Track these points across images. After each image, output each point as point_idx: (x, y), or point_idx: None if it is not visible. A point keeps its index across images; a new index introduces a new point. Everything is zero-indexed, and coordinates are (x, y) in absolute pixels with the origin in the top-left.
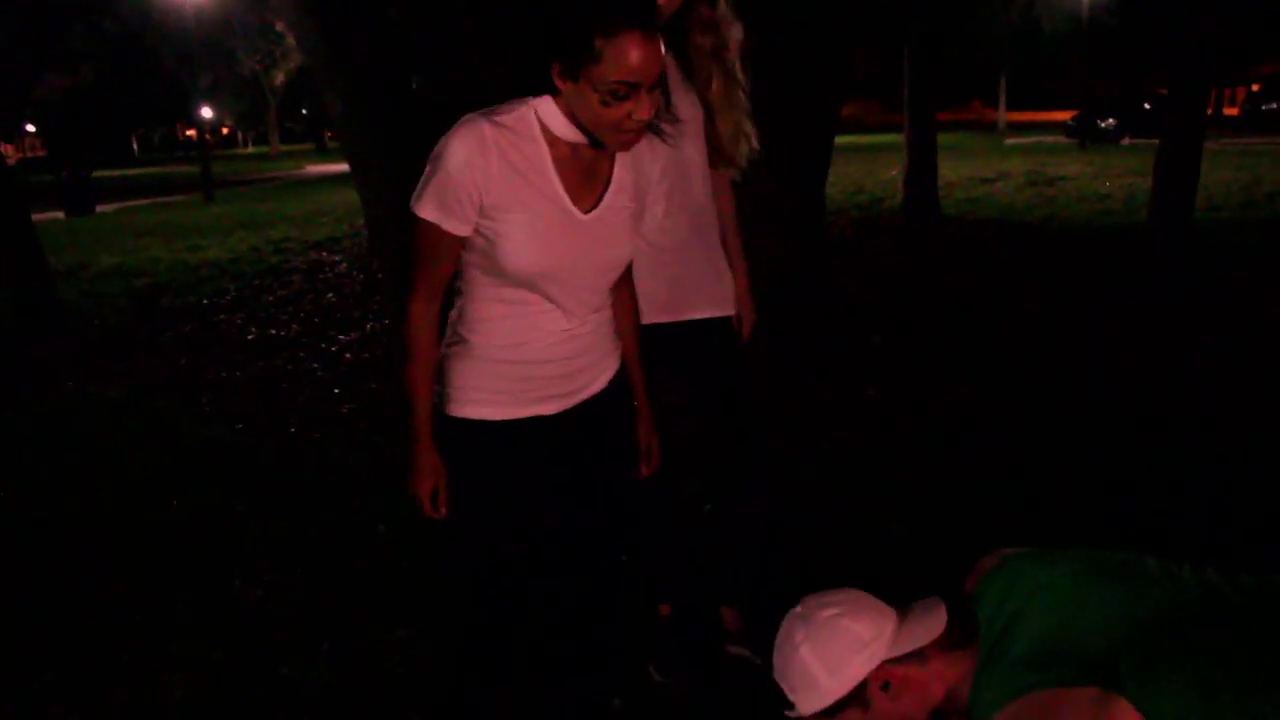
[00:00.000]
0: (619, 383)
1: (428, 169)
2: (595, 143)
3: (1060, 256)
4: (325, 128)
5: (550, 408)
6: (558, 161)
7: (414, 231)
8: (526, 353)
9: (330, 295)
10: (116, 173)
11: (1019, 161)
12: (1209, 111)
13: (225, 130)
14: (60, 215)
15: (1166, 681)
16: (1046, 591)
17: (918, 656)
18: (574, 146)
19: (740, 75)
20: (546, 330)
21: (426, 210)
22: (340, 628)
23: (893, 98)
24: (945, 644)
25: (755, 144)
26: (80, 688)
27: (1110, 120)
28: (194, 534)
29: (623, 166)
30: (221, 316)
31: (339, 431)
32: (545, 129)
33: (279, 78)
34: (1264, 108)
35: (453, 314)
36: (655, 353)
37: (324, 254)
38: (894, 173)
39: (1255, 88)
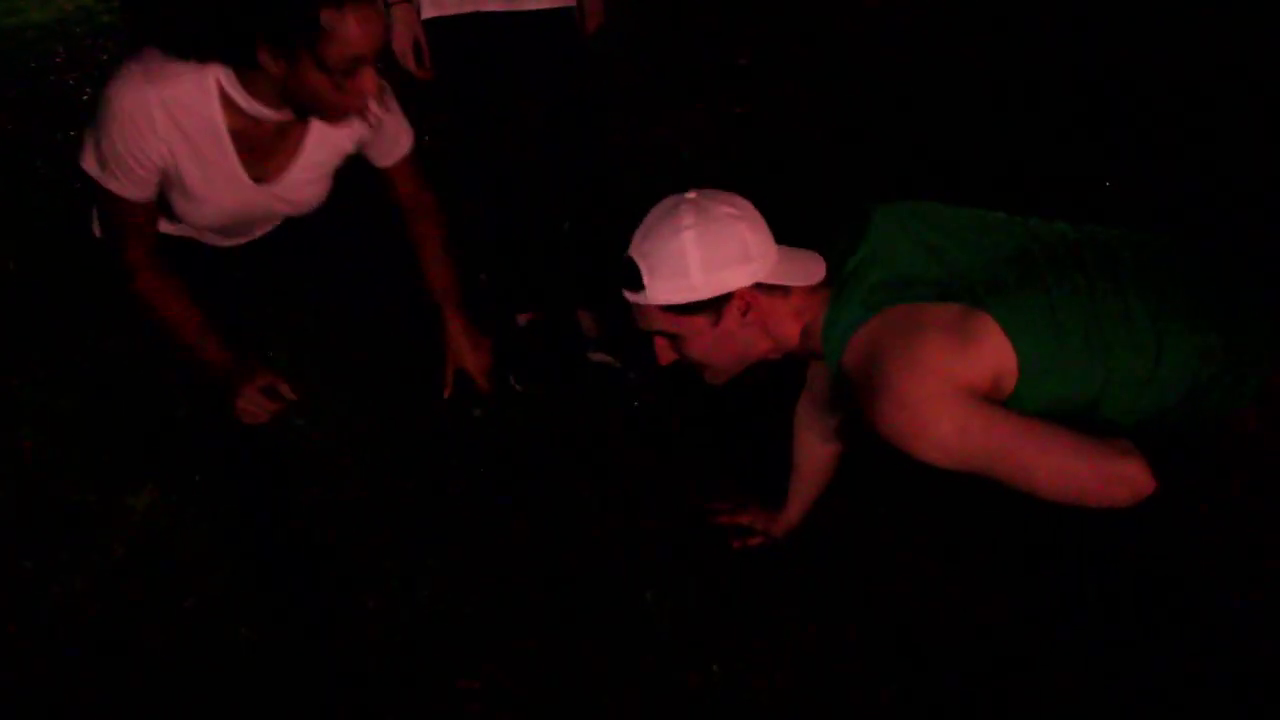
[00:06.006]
0: None
1: (94, 132)
2: (301, 115)
3: None
4: None
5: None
6: (234, 133)
7: (95, 198)
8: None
9: None
10: None
11: None
12: None
13: None
14: None
15: (1022, 305)
16: (901, 236)
17: (784, 291)
18: (256, 119)
19: None
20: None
21: (106, 180)
22: None
23: None
24: (810, 287)
25: None
26: None
27: None
28: (39, 290)
29: (317, 146)
30: (52, 78)
31: None
32: (226, 99)
33: None
34: None
35: None
36: (494, 44)
37: None
38: None
39: None
